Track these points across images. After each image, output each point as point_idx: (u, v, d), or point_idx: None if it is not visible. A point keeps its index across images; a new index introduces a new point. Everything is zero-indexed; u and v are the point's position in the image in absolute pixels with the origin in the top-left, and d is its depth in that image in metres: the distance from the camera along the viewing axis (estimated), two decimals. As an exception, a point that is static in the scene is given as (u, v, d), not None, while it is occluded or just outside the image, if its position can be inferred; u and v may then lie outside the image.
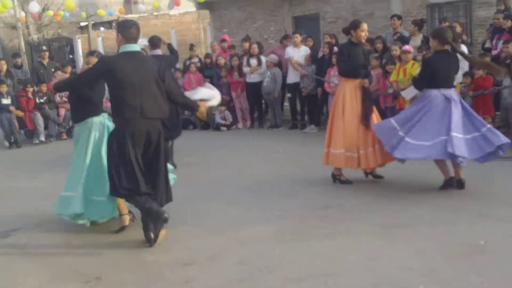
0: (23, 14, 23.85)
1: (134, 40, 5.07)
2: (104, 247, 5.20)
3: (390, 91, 9.17)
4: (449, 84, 6.17)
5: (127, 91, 4.88)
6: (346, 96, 6.61)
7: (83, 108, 5.61)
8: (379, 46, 9.71)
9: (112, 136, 5.08)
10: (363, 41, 6.73)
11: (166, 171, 5.18)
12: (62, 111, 11.96)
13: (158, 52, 8.38)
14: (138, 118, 4.92)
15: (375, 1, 13.66)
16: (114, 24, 28.87)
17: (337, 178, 6.88)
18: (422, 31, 10.02)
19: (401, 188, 6.51)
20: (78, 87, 5.33)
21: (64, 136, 11.81)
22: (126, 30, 5.05)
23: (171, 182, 5.40)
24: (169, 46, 9.22)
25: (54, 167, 8.33)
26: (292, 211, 5.87)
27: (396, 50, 9.05)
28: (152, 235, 5.06)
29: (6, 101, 11.20)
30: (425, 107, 6.11)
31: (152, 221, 5.01)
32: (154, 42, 8.37)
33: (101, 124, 5.62)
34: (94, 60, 5.55)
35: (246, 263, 4.59)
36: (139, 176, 4.93)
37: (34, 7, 21.34)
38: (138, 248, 5.07)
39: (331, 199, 6.23)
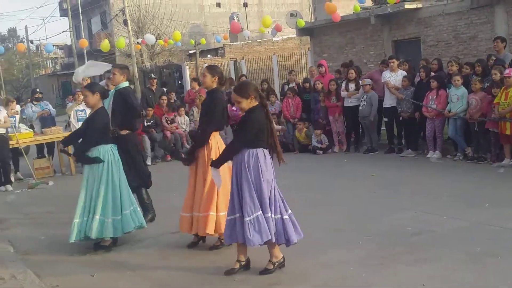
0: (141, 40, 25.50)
1: None
2: (197, 264, 5.47)
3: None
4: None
5: None
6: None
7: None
8: (479, 69, 9.41)
9: None
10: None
11: None
12: (168, 134, 12.65)
13: None
14: None
15: (478, 23, 13.24)
16: (220, 51, 30.05)
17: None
18: None
19: (497, 214, 6.29)
20: None
21: (169, 158, 12.43)
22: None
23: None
24: None
25: (158, 188, 8.80)
26: (382, 236, 5.85)
27: (496, 74, 8.75)
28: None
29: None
30: None
31: None
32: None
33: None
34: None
35: (329, 286, 4.66)
36: None
37: (150, 39, 22.98)
38: (229, 267, 5.23)
39: (423, 224, 6.13)
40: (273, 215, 4.95)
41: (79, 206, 5.96)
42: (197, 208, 5.75)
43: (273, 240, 4.94)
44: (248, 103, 4.95)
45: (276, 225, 4.96)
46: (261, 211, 4.88)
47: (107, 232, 5.94)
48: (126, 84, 6.89)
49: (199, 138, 5.92)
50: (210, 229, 5.66)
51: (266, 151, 5.02)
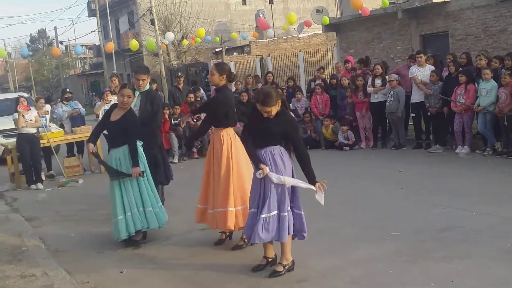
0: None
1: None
2: (224, 262, 5.49)
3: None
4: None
5: None
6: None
7: None
8: (509, 63, 9.24)
9: None
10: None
11: None
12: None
13: None
14: None
15: (508, 16, 13.00)
16: (246, 49, 30.09)
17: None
18: None
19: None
20: None
21: (196, 155, 12.51)
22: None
23: None
24: None
25: (185, 185, 8.89)
26: (410, 232, 5.80)
27: (525, 67, 8.60)
28: None
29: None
30: None
31: None
32: None
33: None
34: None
35: (358, 283, 4.64)
36: None
37: (170, 36, 23.18)
38: (256, 264, 5.24)
39: (452, 220, 6.06)
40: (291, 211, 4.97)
41: (118, 203, 6.04)
42: (215, 204, 5.76)
43: (285, 240, 4.91)
44: (276, 108, 4.91)
45: (294, 220, 4.98)
46: (278, 210, 4.88)
47: (162, 221, 6.22)
48: (148, 86, 7.13)
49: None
50: (231, 224, 5.66)
51: (283, 148, 5.04)
